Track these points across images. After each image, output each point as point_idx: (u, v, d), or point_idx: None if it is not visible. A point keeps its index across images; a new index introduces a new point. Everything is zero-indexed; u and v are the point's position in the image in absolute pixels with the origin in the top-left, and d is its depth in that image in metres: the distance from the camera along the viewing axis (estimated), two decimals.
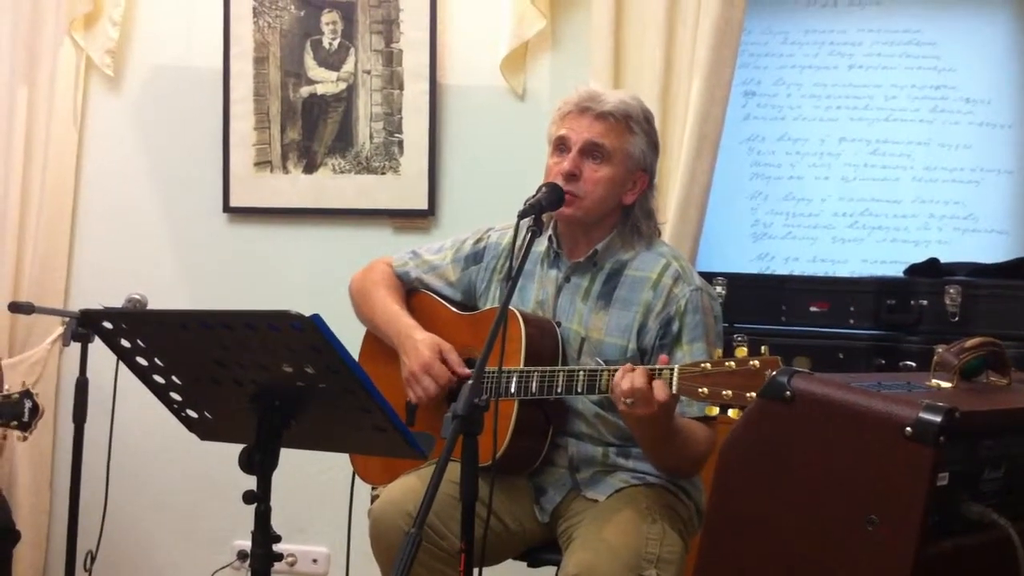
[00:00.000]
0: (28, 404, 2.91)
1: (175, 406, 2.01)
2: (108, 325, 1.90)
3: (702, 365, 2.10)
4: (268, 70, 3.59)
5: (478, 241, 2.65)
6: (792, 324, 3.06)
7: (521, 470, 2.44)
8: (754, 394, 1.97)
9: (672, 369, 2.11)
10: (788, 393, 1.53)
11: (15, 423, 2.91)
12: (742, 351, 2.08)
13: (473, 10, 3.48)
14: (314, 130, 3.57)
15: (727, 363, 2.07)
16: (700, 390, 2.08)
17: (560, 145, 2.43)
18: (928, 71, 3.43)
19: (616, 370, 2.18)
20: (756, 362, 2.05)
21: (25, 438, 2.98)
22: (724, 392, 2.05)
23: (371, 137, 3.53)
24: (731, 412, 2.06)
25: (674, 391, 2.10)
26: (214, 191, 3.65)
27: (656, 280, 2.41)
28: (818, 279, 3.23)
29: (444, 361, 2.44)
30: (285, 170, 3.60)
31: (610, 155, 2.39)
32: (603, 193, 2.40)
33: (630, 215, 2.47)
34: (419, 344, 2.47)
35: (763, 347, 2.08)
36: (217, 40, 3.60)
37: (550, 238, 2.51)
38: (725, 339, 2.56)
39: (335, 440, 2.07)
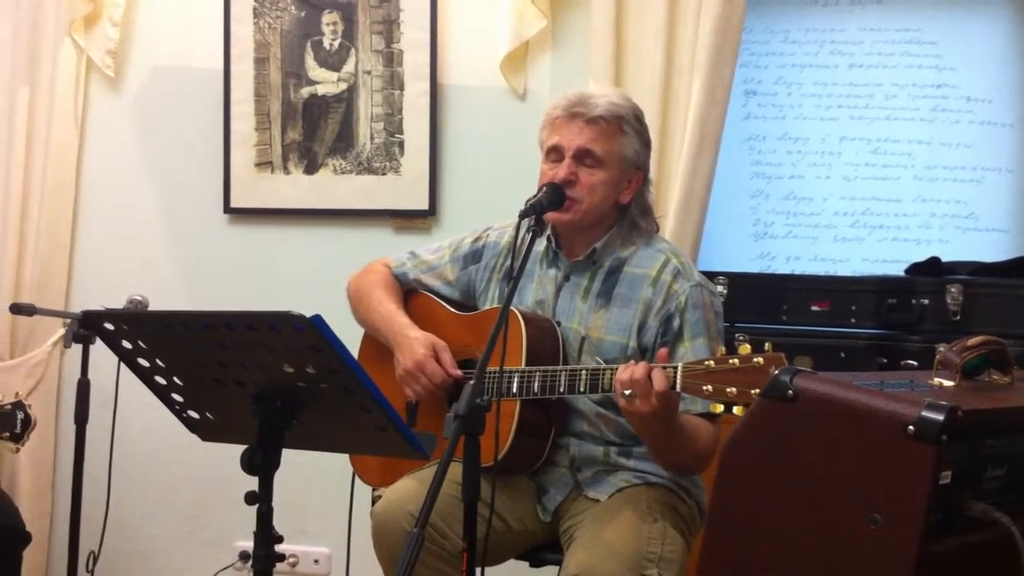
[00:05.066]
0: (20, 415, 2.88)
1: (177, 407, 2.01)
2: (109, 326, 1.90)
3: (706, 363, 2.08)
4: (269, 71, 3.58)
5: (476, 240, 2.65)
6: (793, 323, 3.06)
7: (523, 470, 2.44)
8: (759, 391, 1.97)
9: (676, 367, 2.10)
10: (791, 392, 1.53)
11: (7, 434, 2.87)
12: (746, 348, 2.06)
13: (473, 10, 3.47)
14: (315, 131, 3.57)
15: (731, 360, 2.06)
16: (704, 388, 2.06)
17: (552, 152, 2.43)
18: (929, 70, 3.42)
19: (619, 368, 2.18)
20: (760, 359, 2.03)
21: (17, 450, 2.95)
22: (728, 389, 2.03)
23: (372, 137, 3.53)
24: (735, 409, 2.03)
25: (678, 389, 2.09)
26: (215, 192, 3.65)
27: (655, 277, 2.40)
28: (819, 278, 3.21)
29: (437, 360, 2.44)
30: (286, 171, 3.60)
31: (603, 160, 2.39)
32: (600, 197, 2.40)
33: (627, 213, 2.47)
34: (413, 342, 2.47)
35: (767, 344, 2.06)
36: (217, 41, 3.60)
37: (549, 237, 2.51)
38: (726, 339, 2.55)
39: (337, 440, 2.07)
